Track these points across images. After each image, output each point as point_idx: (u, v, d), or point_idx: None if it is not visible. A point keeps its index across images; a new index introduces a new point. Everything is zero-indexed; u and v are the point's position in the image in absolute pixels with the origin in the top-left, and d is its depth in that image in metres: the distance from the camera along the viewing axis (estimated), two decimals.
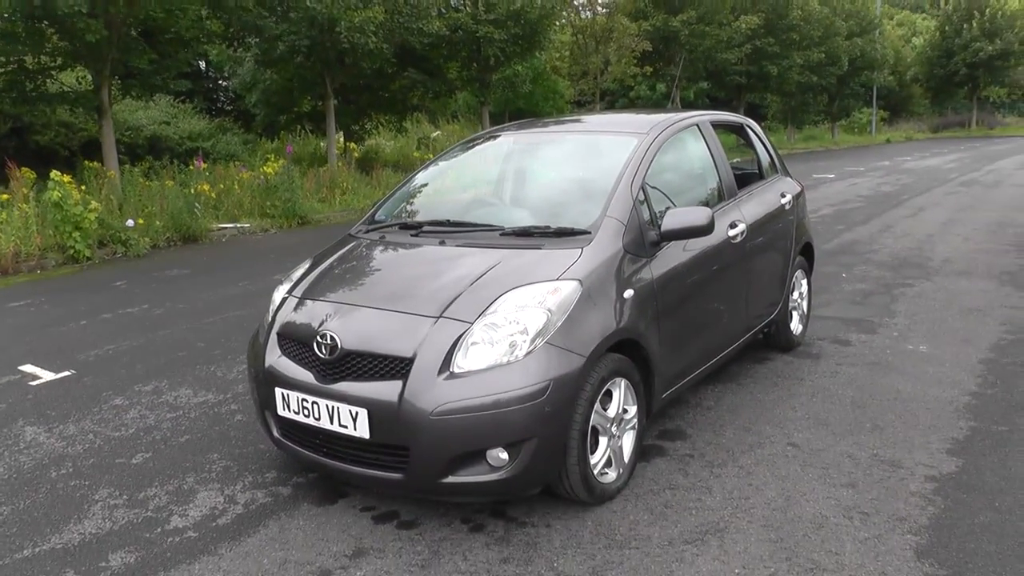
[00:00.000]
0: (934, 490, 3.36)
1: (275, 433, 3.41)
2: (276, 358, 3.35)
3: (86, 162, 12.40)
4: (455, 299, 3.11)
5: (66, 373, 5.22)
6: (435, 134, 23.50)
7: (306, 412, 3.15)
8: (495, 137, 4.65)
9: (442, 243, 3.58)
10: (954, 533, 3.03)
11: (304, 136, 20.58)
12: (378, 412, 2.94)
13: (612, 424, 3.29)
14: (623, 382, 3.30)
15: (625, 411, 3.37)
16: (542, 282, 3.13)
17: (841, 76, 34.48)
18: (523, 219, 3.79)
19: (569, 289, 3.12)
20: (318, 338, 3.15)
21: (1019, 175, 18.33)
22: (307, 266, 3.85)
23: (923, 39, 45.12)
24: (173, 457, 3.89)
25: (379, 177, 15.21)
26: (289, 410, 3.22)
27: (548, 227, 3.51)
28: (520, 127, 4.69)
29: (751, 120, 5.40)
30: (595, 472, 3.20)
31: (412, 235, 3.78)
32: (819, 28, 30.71)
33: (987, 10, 40.66)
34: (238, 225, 11.46)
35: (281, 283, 3.81)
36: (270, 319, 3.55)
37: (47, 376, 5.17)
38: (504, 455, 2.91)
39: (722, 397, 4.45)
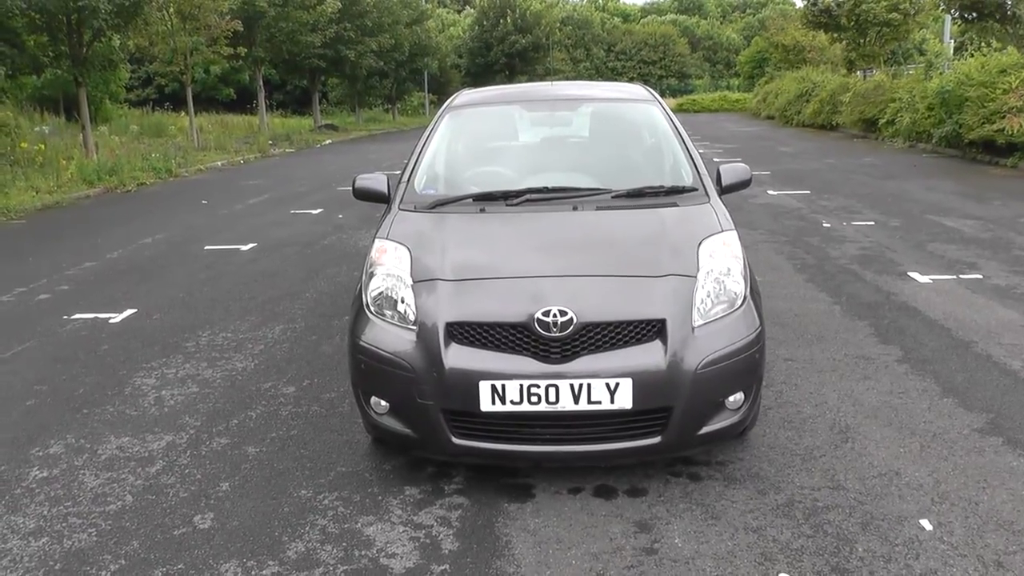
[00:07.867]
0: (913, 368, 4.39)
1: (454, 439, 3.01)
2: (460, 352, 2.96)
3: None
4: (663, 257, 3.14)
5: None
6: None
7: (535, 398, 2.88)
8: (459, 107, 4.48)
9: (575, 208, 3.48)
10: (959, 384, 4.09)
11: None
12: (643, 378, 2.87)
13: None
14: None
15: None
16: (716, 233, 3.33)
17: (400, 62, 36.81)
18: (596, 184, 3.81)
19: (735, 238, 3.37)
20: (539, 316, 2.89)
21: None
22: (401, 249, 3.32)
23: (459, 29, 50.29)
24: (249, 509, 3.11)
25: None
26: (504, 402, 2.90)
27: (661, 186, 3.66)
28: (491, 100, 4.63)
29: None
30: None
31: (508, 204, 3.56)
32: (388, 16, 32.33)
33: (517, 8, 46.99)
34: None
35: (374, 274, 3.27)
36: (413, 316, 3.05)
37: None
38: (740, 397, 3.08)
39: None
